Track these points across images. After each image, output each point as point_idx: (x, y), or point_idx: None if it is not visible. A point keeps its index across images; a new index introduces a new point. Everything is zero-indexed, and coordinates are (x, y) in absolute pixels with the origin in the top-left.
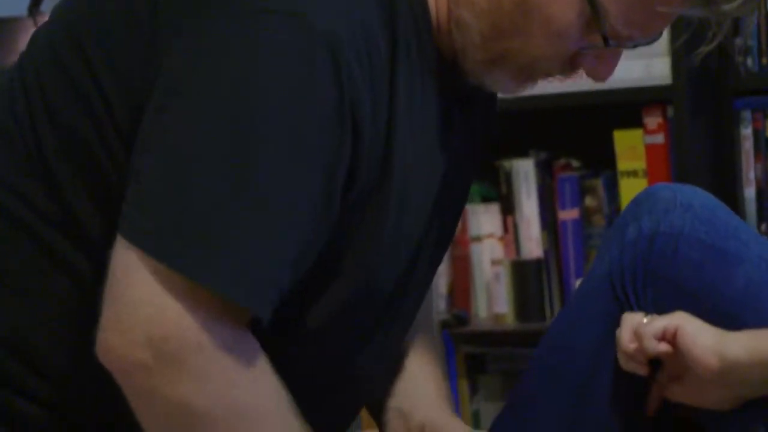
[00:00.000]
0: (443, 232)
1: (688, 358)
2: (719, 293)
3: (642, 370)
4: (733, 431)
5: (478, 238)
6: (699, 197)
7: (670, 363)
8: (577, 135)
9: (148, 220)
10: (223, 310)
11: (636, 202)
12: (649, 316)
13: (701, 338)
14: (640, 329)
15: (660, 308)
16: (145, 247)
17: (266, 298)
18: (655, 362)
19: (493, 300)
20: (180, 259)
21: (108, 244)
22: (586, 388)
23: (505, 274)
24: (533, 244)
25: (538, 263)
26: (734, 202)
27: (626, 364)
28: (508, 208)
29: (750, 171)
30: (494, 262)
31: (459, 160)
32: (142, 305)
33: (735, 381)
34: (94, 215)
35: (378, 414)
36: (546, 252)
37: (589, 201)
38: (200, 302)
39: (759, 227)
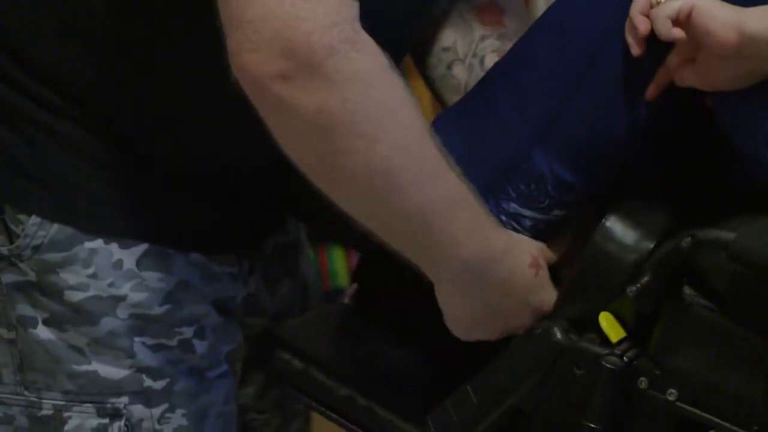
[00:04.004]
0: None
1: (705, 35)
2: None
3: (636, 48)
4: (747, 117)
5: None
6: None
7: (680, 48)
8: None
9: None
10: (339, 6)
11: None
12: None
13: (719, 12)
14: (653, 11)
15: None
16: None
17: None
18: (657, 47)
19: None
20: None
21: None
22: (595, 57)
23: None
24: None
25: None
26: None
27: (627, 35)
28: None
29: None
30: None
31: None
32: (268, 20)
33: (754, 55)
34: None
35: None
36: None
37: None
38: (317, 3)
39: None
